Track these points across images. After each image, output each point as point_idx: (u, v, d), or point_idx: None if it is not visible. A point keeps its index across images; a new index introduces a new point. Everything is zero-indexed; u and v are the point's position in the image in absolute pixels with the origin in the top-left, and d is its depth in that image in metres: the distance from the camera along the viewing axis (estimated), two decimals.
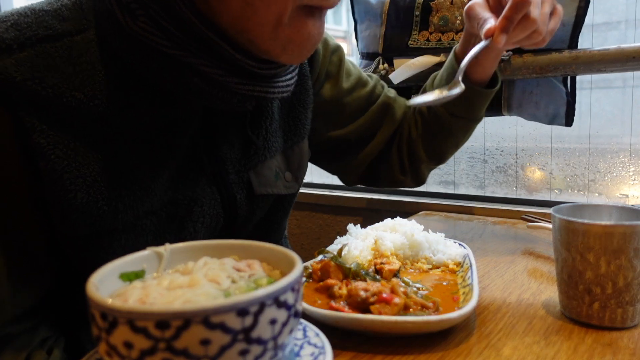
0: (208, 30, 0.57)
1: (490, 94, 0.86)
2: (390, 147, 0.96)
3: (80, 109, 0.57)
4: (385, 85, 0.99)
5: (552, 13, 0.76)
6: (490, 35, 0.71)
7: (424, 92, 0.90)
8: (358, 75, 0.94)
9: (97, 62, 0.59)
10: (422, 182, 1.01)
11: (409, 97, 1.19)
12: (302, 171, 0.84)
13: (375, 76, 0.99)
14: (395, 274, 0.65)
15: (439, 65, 1.12)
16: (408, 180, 0.99)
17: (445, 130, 0.92)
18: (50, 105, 0.56)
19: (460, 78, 0.75)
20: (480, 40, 0.75)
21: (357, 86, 0.93)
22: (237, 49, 0.59)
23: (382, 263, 0.66)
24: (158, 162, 0.63)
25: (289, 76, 0.68)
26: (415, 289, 0.61)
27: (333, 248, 0.70)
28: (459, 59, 0.86)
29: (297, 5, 0.57)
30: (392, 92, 0.98)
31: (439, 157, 0.97)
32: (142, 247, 0.63)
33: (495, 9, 0.76)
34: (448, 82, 0.84)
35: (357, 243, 0.71)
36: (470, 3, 0.78)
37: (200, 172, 0.68)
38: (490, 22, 0.72)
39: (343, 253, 0.68)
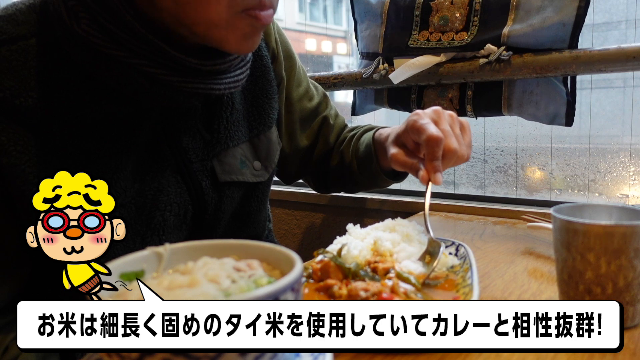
0: (148, 32, 0.59)
1: (389, 182, 0.95)
2: (317, 163, 1.01)
3: (36, 108, 0.60)
4: (330, 102, 1.02)
5: (461, 128, 0.77)
6: (426, 181, 0.72)
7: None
8: (306, 86, 0.97)
9: (50, 64, 0.61)
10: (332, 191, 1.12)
11: (408, 97, 1.21)
12: (272, 160, 0.86)
13: (321, 90, 1.02)
14: (389, 271, 0.64)
15: (438, 65, 1.13)
16: (322, 190, 1.10)
17: (352, 180, 0.99)
18: (7, 106, 0.58)
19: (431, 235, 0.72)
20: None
21: (304, 98, 0.96)
22: (179, 47, 0.61)
23: (375, 262, 0.65)
24: (118, 155, 0.65)
25: (238, 71, 0.70)
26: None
27: (333, 248, 0.70)
28: (375, 142, 0.90)
29: (234, 11, 0.59)
30: (333, 110, 1.01)
31: (350, 190, 1.08)
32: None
33: (415, 147, 0.77)
34: (363, 159, 0.93)
35: (357, 243, 0.70)
36: (391, 155, 0.79)
37: (164, 163, 0.70)
38: (420, 169, 0.73)
39: (343, 253, 0.67)
